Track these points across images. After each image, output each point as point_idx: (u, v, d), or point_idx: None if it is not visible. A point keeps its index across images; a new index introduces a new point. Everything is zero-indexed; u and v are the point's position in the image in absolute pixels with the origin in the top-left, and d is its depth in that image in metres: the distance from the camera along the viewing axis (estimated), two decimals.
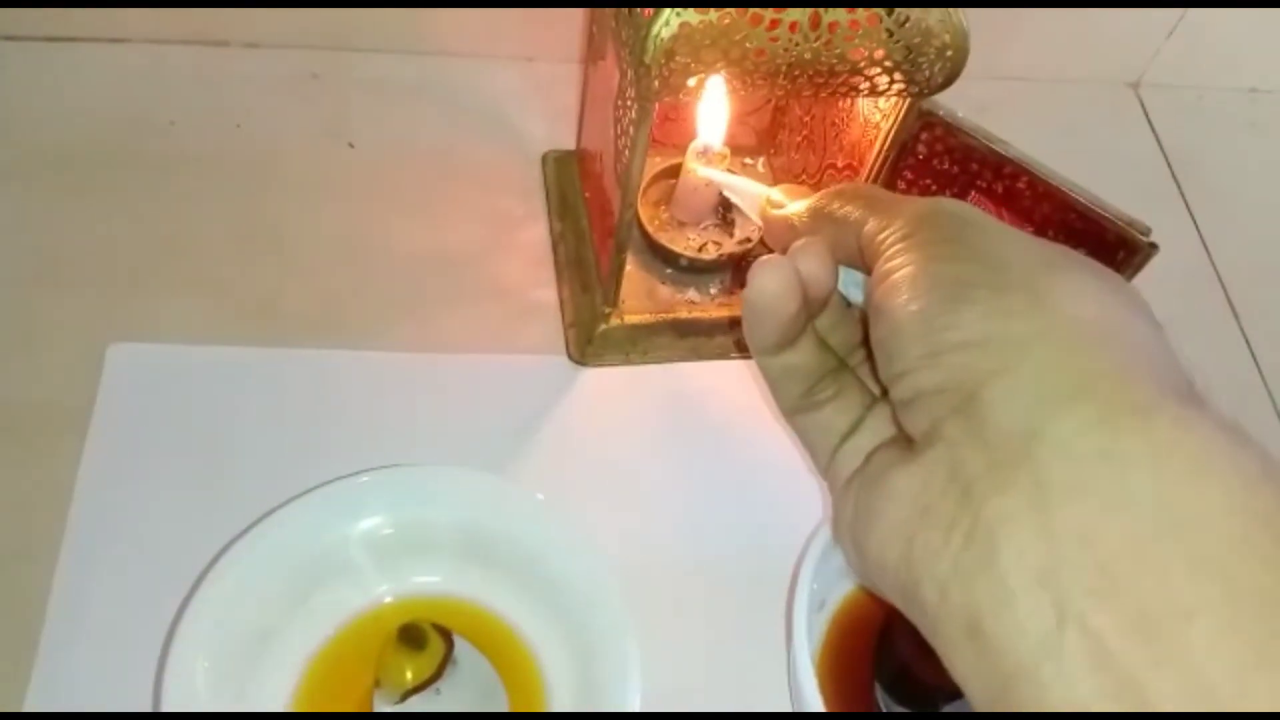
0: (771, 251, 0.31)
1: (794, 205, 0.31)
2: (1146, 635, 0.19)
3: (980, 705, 0.22)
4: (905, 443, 0.25)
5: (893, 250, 0.26)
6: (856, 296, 0.30)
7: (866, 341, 0.30)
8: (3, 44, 0.55)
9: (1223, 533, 0.19)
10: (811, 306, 0.28)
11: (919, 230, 0.26)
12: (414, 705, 0.37)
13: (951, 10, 0.36)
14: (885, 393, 0.27)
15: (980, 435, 0.22)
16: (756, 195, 0.36)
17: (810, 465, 0.30)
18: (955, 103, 0.42)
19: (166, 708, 0.34)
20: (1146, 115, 0.65)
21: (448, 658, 0.37)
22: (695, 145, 0.47)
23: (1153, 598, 0.19)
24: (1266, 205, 0.63)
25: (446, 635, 0.38)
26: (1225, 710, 0.18)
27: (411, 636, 0.37)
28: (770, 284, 0.27)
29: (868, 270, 0.27)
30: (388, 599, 0.40)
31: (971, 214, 0.26)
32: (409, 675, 0.37)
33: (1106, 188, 0.42)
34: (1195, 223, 0.61)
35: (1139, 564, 0.19)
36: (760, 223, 0.35)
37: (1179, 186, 0.62)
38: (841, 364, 0.30)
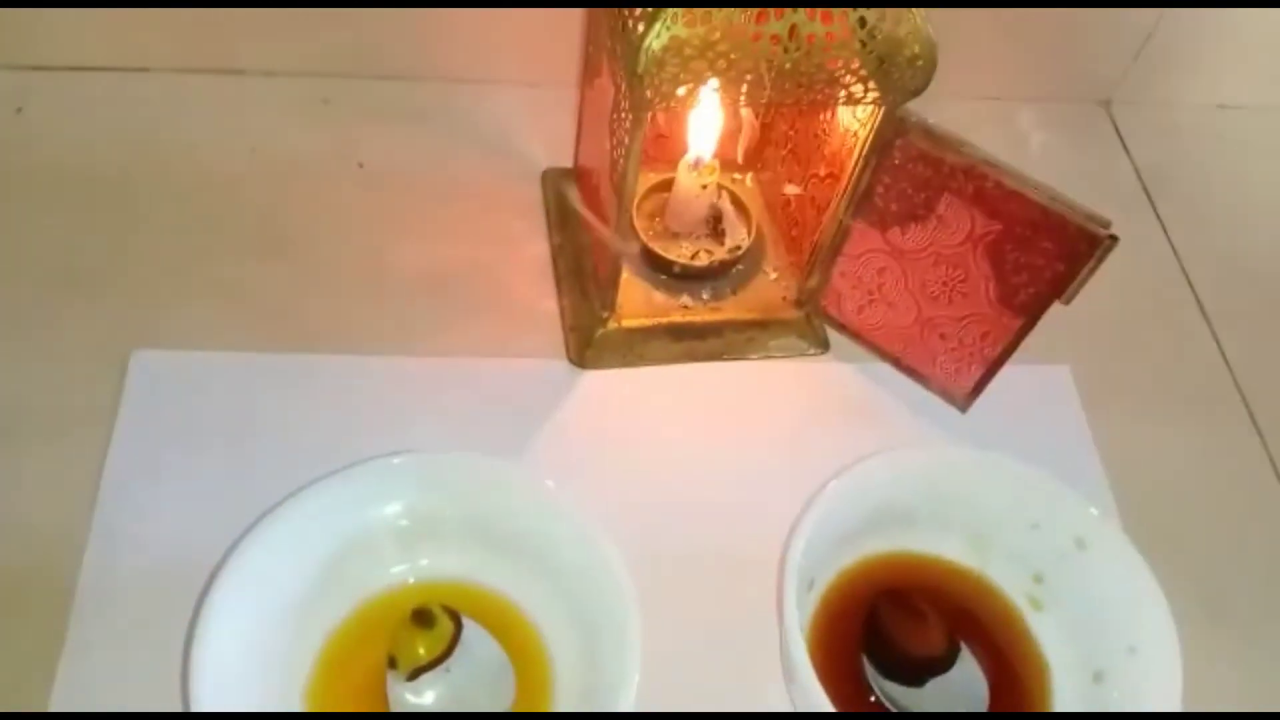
0: None
1: None
2: None
3: None
4: None
5: None
6: None
7: None
8: (31, 73, 0.58)
9: None
10: None
11: None
12: (425, 682, 0.39)
13: (920, 22, 0.39)
14: None
15: None
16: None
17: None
18: (935, 121, 0.44)
19: (197, 674, 0.35)
20: (1118, 132, 0.68)
21: (456, 638, 0.40)
22: (687, 159, 0.50)
23: None
24: (1235, 215, 0.65)
25: (455, 617, 0.40)
26: None
27: (422, 618, 0.40)
28: None
29: None
30: (409, 580, 0.42)
31: None
32: (421, 653, 0.39)
33: (1081, 203, 0.44)
34: (1168, 234, 0.63)
35: None
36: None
37: (1151, 200, 0.65)
38: None
